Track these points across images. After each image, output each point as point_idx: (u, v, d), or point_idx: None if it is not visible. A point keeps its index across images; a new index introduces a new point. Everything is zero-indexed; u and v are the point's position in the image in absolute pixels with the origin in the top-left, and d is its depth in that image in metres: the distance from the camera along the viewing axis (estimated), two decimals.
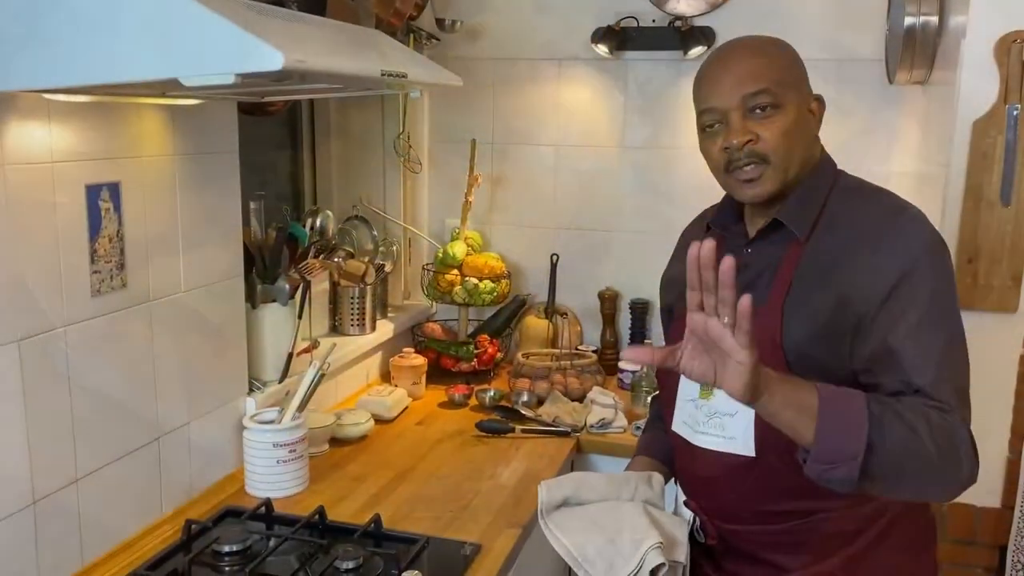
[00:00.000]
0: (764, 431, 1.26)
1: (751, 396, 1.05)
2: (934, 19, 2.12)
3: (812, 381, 1.13)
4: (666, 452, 1.52)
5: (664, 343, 1.43)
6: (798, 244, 1.29)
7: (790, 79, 1.28)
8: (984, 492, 2.07)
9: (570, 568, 1.32)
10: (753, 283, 1.32)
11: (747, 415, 1.27)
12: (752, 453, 1.30)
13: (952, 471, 1.14)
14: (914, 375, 1.17)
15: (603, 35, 2.58)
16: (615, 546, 1.29)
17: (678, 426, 1.41)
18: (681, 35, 2.52)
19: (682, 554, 1.33)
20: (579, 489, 1.41)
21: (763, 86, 1.25)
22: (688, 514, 1.43)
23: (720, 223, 1.42)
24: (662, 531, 1.32)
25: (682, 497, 1.45)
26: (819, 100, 1.33)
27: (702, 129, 1.32)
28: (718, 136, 1.29)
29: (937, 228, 1.21)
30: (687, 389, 1.39)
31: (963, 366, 1.20)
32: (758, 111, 1.25)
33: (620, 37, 2.58)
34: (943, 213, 1.99)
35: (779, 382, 1.10)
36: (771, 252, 1.32)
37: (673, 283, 1.52)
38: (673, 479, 1.53)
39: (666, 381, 1.47)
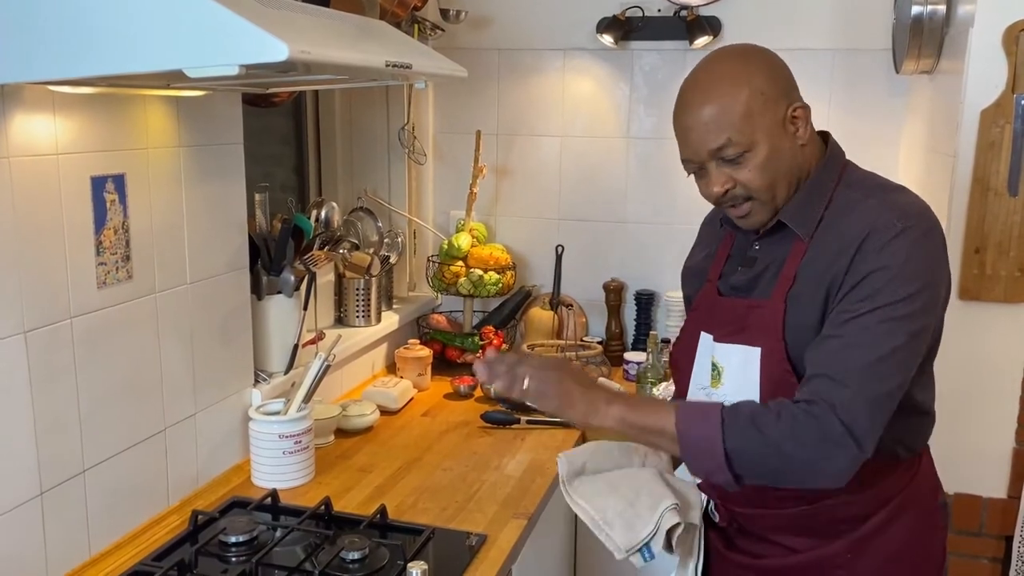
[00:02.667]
0: None
1: (538, 401, 1.29)
2: (941, 8, 2.10)
3: (671, 403, 1.26)
4: None
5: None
6: (802, 241, 1.31)
7: (755, 114, 1.25)
8: (991, 482, 2.07)
9: (576, 554, 1.35)
10: (759, 277, 1.35)
11: None
12: None
13: (824, 460, 1.18)
14: (816, 363, 1.21)
15: (608, 25, 2.57)
16: (634, 509, 1.35)
17: None
18: (687, 25, 2.51)
19: (696, 517, 1.39)
20: (595, 454, 1.48)
21: (725, 138, 1.25)
22: (702, 497, 1.47)
23: (731, 219, 1.43)
24: (678, 495, 1.38)
25: (696, 480, 1.47)
26: (801, 106, 1.30)
27: (688, 173, 1.35)
28: (701, 180, 1.33)
29: (944, 218, 1.21)
30: (699, 378, 1.42)
31: (877, 379, 1.18)
32: (729, 156, 1.26)
33: (625, 27, 2.57)
34: (950, 203, 1.98)
35: (620, 407, 1.24)
36: (776, 248, 1.34)
37: (690, 273, 1.54)
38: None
39: (679, 368, 1.50)
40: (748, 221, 1.33)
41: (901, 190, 1.32)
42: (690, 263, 1.56)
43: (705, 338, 1.41)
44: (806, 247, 1.30)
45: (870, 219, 1.24)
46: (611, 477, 1.43)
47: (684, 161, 1.33)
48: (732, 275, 1.41)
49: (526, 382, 1.27)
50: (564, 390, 1.27)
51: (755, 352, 1.31)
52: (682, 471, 1.53)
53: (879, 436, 1.19)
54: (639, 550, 1.34)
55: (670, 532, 1.34)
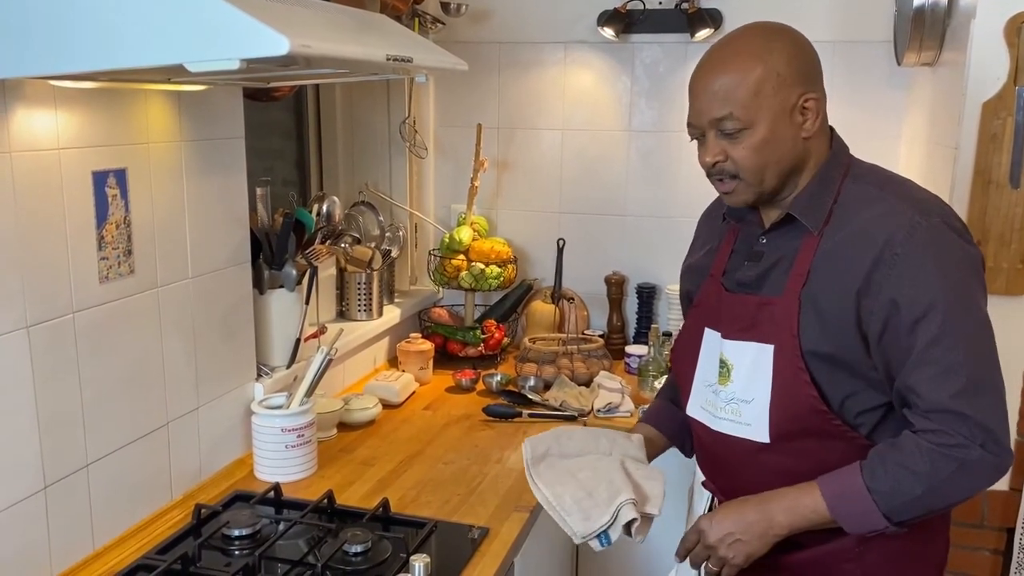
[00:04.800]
0: (779, 419, 1.29)
1: (758, 557, 1.31)
2: (943, 0, 2.10)
3: (810, 484, 1.26)
4: (670, 423, 1.54)
5: (680, 327, 1.53)
6: (812, 235, 1.29)
7: (762, 94, 1.24)
8: None
9: (578, 547, 1.35)
10: (768, 273, 1.33)
11: (762, 402, 1.30)
12: (766, 439, 1.31)
13: (975, 480, 1.21)
14: (921, 397, 1.21)
15: (609, 18, 2.56)
16: (592, 499, 1.36)
17: (695, 410, 1.43)
18: (688, 17, 2.51)
19: (655, 507, 1.39)
20: (559, 439, 1.50)
21: (727, 111, 1.25)
22: (707, 494, 1.48)
23: (735, 213, 1.42)
24: (636, 487, 1.39)
25: (701, 477, 1.48)
26: (815, 98, 1.28)
27: (691, 138, 1.35)
28: (700, 148, 1.33)
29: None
30: (705, 374, 1.41)
31: (982, 385, 1.20)
32: (728, 130, 1.27)
33: (626, 20, 2.57)
34: (951, 195, 1.98)
35: (785, 519, 1.27)
36: (786, 243, 1.33)
37: (691, 271, 1.53)
38: (693, 457, 1.56)
39: (682, 365, 1.49)
40: (731, 199, 1.34)
41: (910, 183, 1.31)
42: (691, 260, 1.55)
43: (711, 335, 1.39)
44: (818, 241, 1.28)
45: (891, 217, 1.23)
46: (573, 464, 1.44)
47: (688, 125, 1.33)
48: (738, 270, 1.39)
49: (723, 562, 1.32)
50: (742, 549, 1.30)
51: (767, 349, 1.29)
52: (689, 475, 1.53)
53: (1010, 432, 1.22)
54: (597, 536, 1.36)
55: (628, 525, 1.36)
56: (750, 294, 1.35)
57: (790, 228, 1.32)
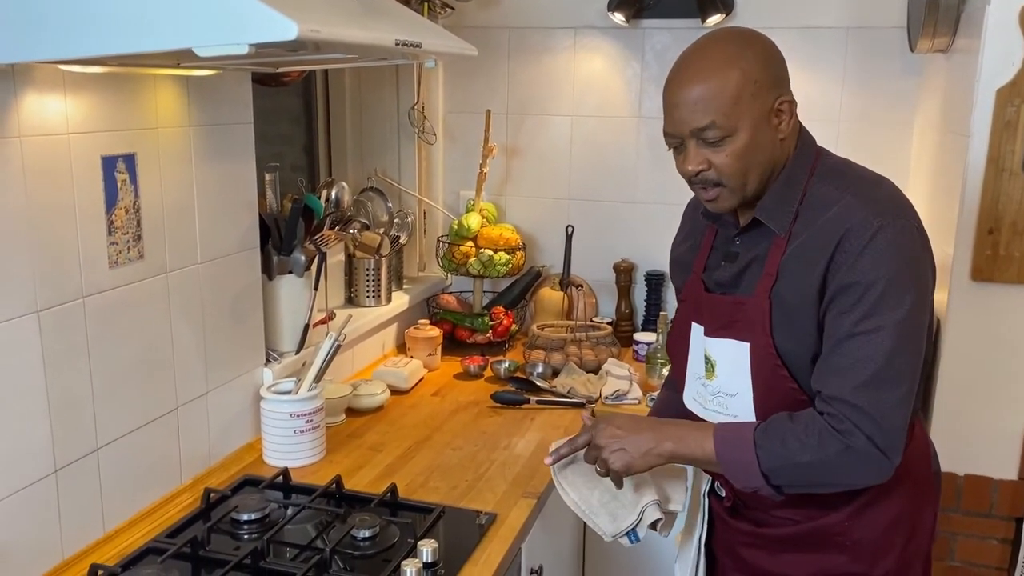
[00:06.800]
0: (765, 412, 1.32)
1: (637, 471, 1.36)
2: None
3: (711, 427, 1.31)
4: (676, 415, 1.56)
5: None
6: (781, 237, 1.32)
7: (742, 100, 1.25)
8: (1002, 464, 2.07)
9: (585, 533, 1.37)
10: (743, 273, 1.37)
11: (746, 396, 1.35)
12: None
13: (855, 474, 1.26)
14: (826, 384, 1.25)
15: (619, 3, 2.54)
16: (617, 501, 1.42)
17: (689, 401, 1.48)
18: (699, 2, 2.49)
19: (679, 504, 1.47)
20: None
21: (709, 119, 1.25)
22: (706, 477, 1.51)
23: (711, 215, 1.44)
24: (660, 486, 1.45)
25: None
26: (788, 100, 1.29)
27: (668, 147, 1.35)
28: (678, 156, 1.33)
29: (957, 199, 1.18)
30: (695, 367, 1.45)
31: (886, 383, 1.22)
32: (710, 138, 1.26)
33: (636, 5, 2.55)
34: (964, 183, 1.97)
35: (671, 445, 1.31)
36: (757, 243, 1.35)
37: (676, 265, 1.57)
38: None
39: (677, 356, 1.52)
40: (715, 205, 1.34)
41: (875, 182, 1.31)
42: (675, 255, 1.58)
43: (697, 329, 1.43)
44: (785, 242, 1.31)
45: (846, 218, 1.24)
46: None
47: (665, 135, 1.33)
48: (716, 270, 1.42)
49: (605, 459, 1.35)
50: (623, 458, 1.34)
51: (744, 347, 1.33)
52: None
53: (904, 438, 1.24)
54: (625, 534, 1.42)
55: (653, 524, 1.42)
56: (727, 295, 1.39)
57: (761, 229, 1.34)
